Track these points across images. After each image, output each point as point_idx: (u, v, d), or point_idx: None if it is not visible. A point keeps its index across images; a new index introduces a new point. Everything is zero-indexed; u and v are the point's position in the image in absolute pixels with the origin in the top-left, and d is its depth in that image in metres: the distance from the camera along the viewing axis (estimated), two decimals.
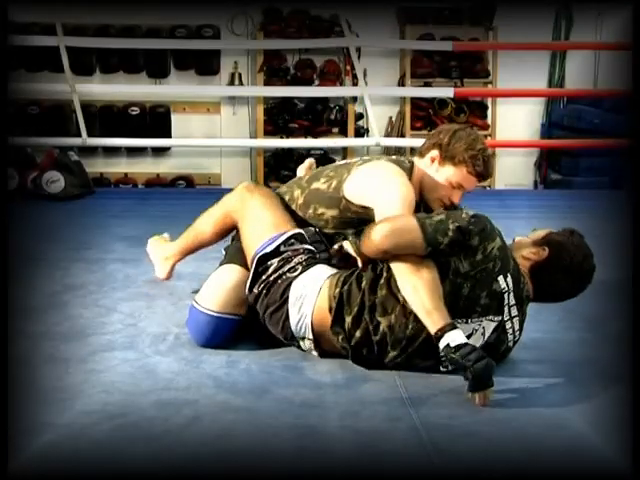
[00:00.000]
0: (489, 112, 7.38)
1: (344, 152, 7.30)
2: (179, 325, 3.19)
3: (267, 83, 7.04)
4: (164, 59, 6.98)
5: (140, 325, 3.20)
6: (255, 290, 2.84)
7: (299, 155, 7.12)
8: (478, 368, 2.42)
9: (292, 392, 2.60)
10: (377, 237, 2.59)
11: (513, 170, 7.46)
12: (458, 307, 2.59)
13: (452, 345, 2.45)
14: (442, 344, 2.48)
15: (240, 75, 7.15)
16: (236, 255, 3.05)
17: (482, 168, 2.93)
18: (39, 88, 6.52)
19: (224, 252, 3.22)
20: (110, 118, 6.95)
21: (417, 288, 2.53)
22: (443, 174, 2.94)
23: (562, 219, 5.18)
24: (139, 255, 4.16)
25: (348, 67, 7.05)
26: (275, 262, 2.82)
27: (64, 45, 5.88)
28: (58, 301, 3.46)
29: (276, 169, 7.18)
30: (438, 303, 2.52)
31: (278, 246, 2.85)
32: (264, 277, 2.82)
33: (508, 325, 2.70)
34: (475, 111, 7.33)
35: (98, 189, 6.00)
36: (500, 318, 2.67)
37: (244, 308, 2.94)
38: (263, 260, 2.84)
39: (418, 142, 6.72)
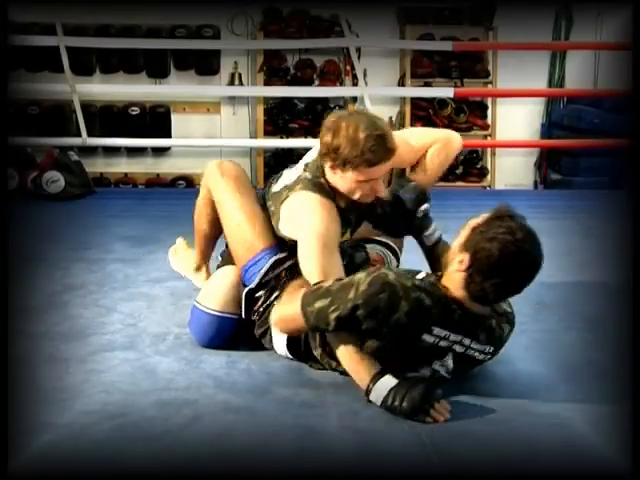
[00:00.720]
0: (489, 112, 7.37)
1: None
2: (179, 325, 3.19)
3: (267, 83, 7.04)
4: (164, 59, 6.97)
5: (140, 325, 3.20)
6: (252, 318, 2.92)
7: (299, 155, 7.10)
8: (404, 410, 2.40)
9: (292, 392, 2.60)
10: (273, 322, 2.76)
11: (513, 170, 7.46)
12: (397, 358, 2.54)
13: (375, 401, 2.47)
14: (373, 399, 2.48)
15: (240, 75, 7.15)
16: (231, 257, 3.07)
17: (375, 157, 2.71)
18: (39, 88, 6.51)
19: (220, 257, 3.24)
20: (110, 118, 6.95)
21: (342, 353, 2.55)
22: (349, 179, 2.79)
23: (562, 219, 5.20)
24: (139, 255, 4.17)
25: (348, 67, 7.05)
26: (262, 294, 2.89)
27: (64, 45, 5.87)
28: (58, 301, 3.46)
29: (276, 169, 7.14)
30: (359, 363, 2.52)
31: (262, 277, 2.88)
32: (255, 308, 2.90)
33: (470, 353, 2.57)
34: (475, 111, 7.32)
35: (98, 189, 6.00)
36: (446, 359, 2.57)
37: None
38: (250, 294, 2.90)
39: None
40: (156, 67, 7.01)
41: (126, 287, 3.67)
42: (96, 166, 6.89)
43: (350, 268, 2.72)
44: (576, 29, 7.30)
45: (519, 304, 3.17)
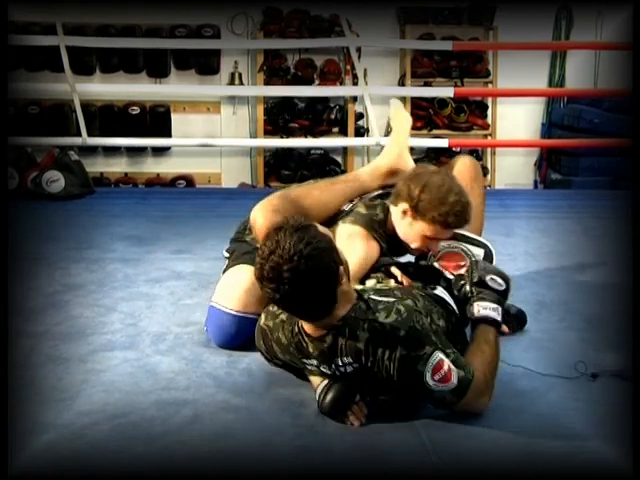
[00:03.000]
0: (489, 112, 7.38)
1: (344, 152, 7.30)
2: (179, 325, 3.19)
3: (267, 83, 7.04)
4: (164, 59, 6.98)
5: (140, 325, 3.21)
6: None
7: (299, 155, 7.12)
8: (323, 411, 2.42)
9: (292, 392, 2.60)
10: None
11: (513, 170, 7.46)
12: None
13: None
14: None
15: (240, 75, 7.15)
16: (244, 256, 3.05)
17: (455, 222, 2.80)
18: (39, 88, 6.51)
19: (227, 254, 3.20)
20: (110, 118, 6.95)
21: None
22: (416, 229, 2.85)
23: (562, 219, 5.19)
24: (139, 255, 4.18)
25: (348, 67, 7.05)
26: None
27: (64, 45, 5.87)
28: (58, 301, 3.46)
29: (276, 169, 7.19)
30: None
31: None
32: None
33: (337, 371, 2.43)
34: (475, 111, 7.33)
35: (98, 189, 6.00)
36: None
37: (262, 307, 2.95)
38: None
39: (418, 142, 6.81)
40: (156, 67, 7.01)
41: (126, 287, 3.67)
42: (96, 166, 6.90)
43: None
44: (576, 29, 7.30)
45: (520, 304, 3.19)
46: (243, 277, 2.96)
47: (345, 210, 3.03)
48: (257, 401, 2.55)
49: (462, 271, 2.84)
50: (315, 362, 2.43)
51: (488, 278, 2.66)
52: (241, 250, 3.12)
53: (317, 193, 3.05)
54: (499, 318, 2.59)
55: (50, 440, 2.27)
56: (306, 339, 2.41)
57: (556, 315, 3.31)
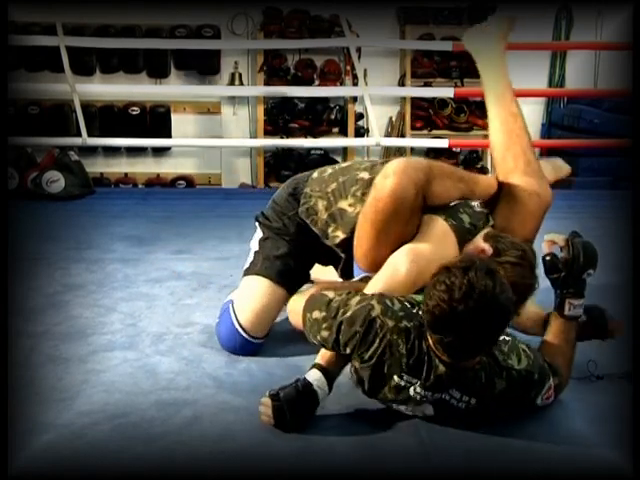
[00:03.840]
0: None
1: (344, 152, 7.30)
2: (179, 325, 3.19)
3: (267, 83, 7.03)
4: (164, 59, 6.97)
5: (140, 325, 3.20)
6: None
7: (299, 155, 7.12)
8: None
9: None
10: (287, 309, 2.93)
11: None
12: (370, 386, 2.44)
13: None
14: None
15: (240, 75, 7.15)
16: (275, 263, 2.98)
17: (527, 282, 2.67)
18: (39, 88, 6.50)
19: (260, 232, 3.08)
20: (110, 118, 6.95)
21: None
22: None
23: (562, 219, 5.18)
24: (139, 255, 4.17)
25: (348, 67, 7.05)
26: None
27: (64, 45, 5.86)
28: (58, 301, 3.46)
29: (276, 169, 7.18)
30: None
31: None
32: None
33: (445, 399, 2.37)
34: (475, 111, 7.32)
35: (98, 189, 5.99)
36: (423, 407, 2.40)
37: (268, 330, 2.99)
38: None
39: (418, 142, 6.81)
40: (156, 67, 7.01)
41: (126, 287, 3.67)
42: (96, 166, 6.89)
43: None
44: (576, 29, 7.30)
45: None
46: (274, 302, 2.92)
47: (449, 205, 2.83)
48: (257, 401, 2.54)
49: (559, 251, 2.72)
50: (423, 387, 2.32)
51: (585, 274, 2.66)
52: (276, 246, 3.00)
53: (449, 185, 2.84)
54: (583, 315, 2.66)
55: (50, 440, 2.27)
56: (436, 359, 2.31)
57: None
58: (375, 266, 2.73)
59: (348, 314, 2.38)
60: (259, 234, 3.09)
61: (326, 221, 2.92)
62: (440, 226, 2.74)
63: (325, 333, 2.42)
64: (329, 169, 3.04)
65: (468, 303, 2.15)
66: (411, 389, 2.34)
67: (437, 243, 2.68)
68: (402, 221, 2.68)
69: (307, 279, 3.11)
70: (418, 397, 2.35)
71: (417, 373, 2.32)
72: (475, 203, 2.88)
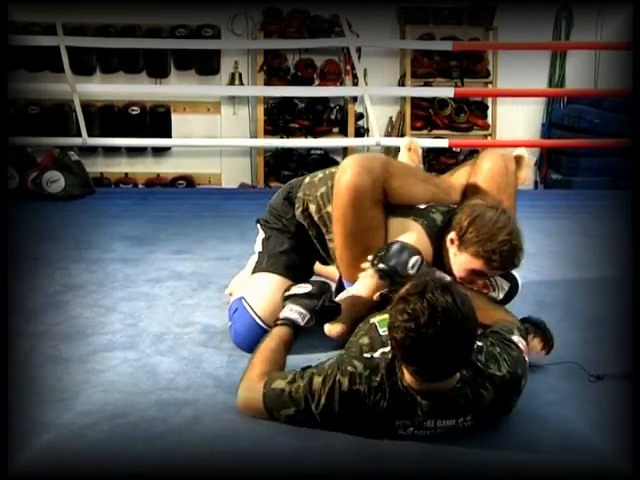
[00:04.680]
0: (489, 112, 7.38)
1: (344, 152, 7.30)
2: (179, 325, 3.19)
3: (267, 83, 7.03)
4: (164, 59, 6.97)
5: (140, 325, 3.20)
6: None
7: (299, 155, 7.12)
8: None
9: None
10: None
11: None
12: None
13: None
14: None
15: (240, 75, 7.15)
16: (280, 258, 3.02)
17: (499, 262, 2.66)
18: (39, 88, 6.50)
19: (262, 233, 3.13)
20: (110, 118, 6.95)
21: None
22: (459, 260, 2.73)
23: (562, 219, 5.19)
24: (139, 255, 4.17)
25: (348, 67, 7.05)
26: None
27: (64, 45, 5.87)
28: (58, 301, 3.46)
29: (276, 169, 7.18)
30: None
31: None
32: None
33: (443, 427, 2.33)
34: (475, 111, 7.33)
35: (98, 189, 5.99)
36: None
37: None
38: None
39: (418, 142, 6.79)
40: (156, 67, 7.01)
41: (126, 287, 3.67)
42: (96, 166, 6.89)
43: None
44: (576, 29, 7.30)
45: (520, 304, 3.18)
46: (276, 294, 2.86)
47: (419, 208, 2.88)
48: None
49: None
50: (418, 427, 2.30)
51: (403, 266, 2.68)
52: (279, 243, 3.06)
53: (411, 181, 2.89)
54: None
55: (50, 440, 2.27)
56: (416, 396, 2.27)
57: (556, 315, 3.30)
58: (350, 272, 2.80)
59: (322, 402, 2.32)
60: (261, 234, 3.16)
61: (318, 224, 2.98)
62: (411, 227, 2.79)
63: (285, 413, 2.37)
64: (320, 173, 3.10)
65: (436, 324, 2.12)
66: (409, 429, 2.31)
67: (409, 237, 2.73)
68: (363, 212, 2.73)
69: (311, 273, 3.16)
70: (420, 433, 2.32)
71: (407, 415, 2.29)
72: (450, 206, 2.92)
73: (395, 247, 2.69)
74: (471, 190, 3.01)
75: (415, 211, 2.86)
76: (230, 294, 3.35)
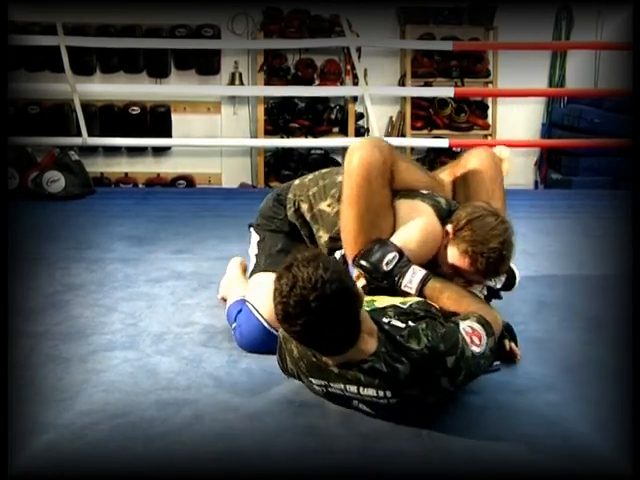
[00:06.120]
0: (489, 112, 7.38)
1: (344, 152, 7.28)
2: (179, 325, 3.19)
3: (267, 83, 7.03)
4: (164, 59, 6.98)
5: (140, 325, 3.20)
6: None
7: (299, 155, 7.12)
8: None
9: (292, 392, 2.60)
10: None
11: (513, 170, 7.43)
12: None
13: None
14: None
15: (240, 75, 7.15)
16: (279, 256, 3.01)
17: (483, 267, 2.66)
18: (39, 88, 6.51)
19: (256, 236, 3.15)
20: (110, 118, 6.95)
21: None
22: (449, 253, 2.73)
23: (562, 218, 5.19)
24: (139, 255, 4.17)
25: (348, 67, 7.05)
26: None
27: (64, 45, 5.87)
28: (58, 301, 3.46)
29: (276, 169, 7.18)
30: None
31: None
32: None
33: (367, 398, 2.40)
34: (475, 111, 7.33)
35: (98, 189, 6.00)
36: (357, 404, 2.46)
37: None
38: None
39: (418, 142, 6.80)
40: (156, 67, 7.01)
41: (126, 287, 3.67)
42: (96, 166, 6.90)
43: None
44: (576, 29, 7.30)
45: (520, 304, 3.19)
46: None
47: (423, 192, 2.89)
48: (257, 401, 2.55)
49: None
50: (331, 383, 2.39)
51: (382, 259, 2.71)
52: (274, 243, 3.09)
53: (413, 167, 2.94)
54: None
55: (50, 440, 2.27)
56: (328, 364, 2.37)
57: (556, 315, 3.31)
58: None
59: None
60: (255, 238, 3.19)
61: (310, 223, 3.02)
62: (421, 207, 2.81)
63: None
64: (310, 175, 3.16)
65: (296, 292, 2.19)
66: (328, 389, 2.43)
67: (423, 228, 2.75)
68: (377, 189, 2.74)
69: None
70: (335, 391, 2.41)
71: (317, 373, 2.42)
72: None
73: (376, 246, 2.72)
74: (462, 182, 3.05)
75: (420, 194, 2.87)
76: (223, 298, 3.35)
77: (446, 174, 3.13)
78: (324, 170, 3.17)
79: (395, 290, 2.68)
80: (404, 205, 2.82)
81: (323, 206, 2.98)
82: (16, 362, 2.73)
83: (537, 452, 2.26)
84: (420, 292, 2.66)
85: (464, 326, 2.44)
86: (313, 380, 2.45)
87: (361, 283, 2.70)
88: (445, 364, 2.34)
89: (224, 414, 2.46)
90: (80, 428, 2.35)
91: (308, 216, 3.03)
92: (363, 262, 2.72)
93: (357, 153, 2.78)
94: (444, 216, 2.81)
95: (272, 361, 2.82)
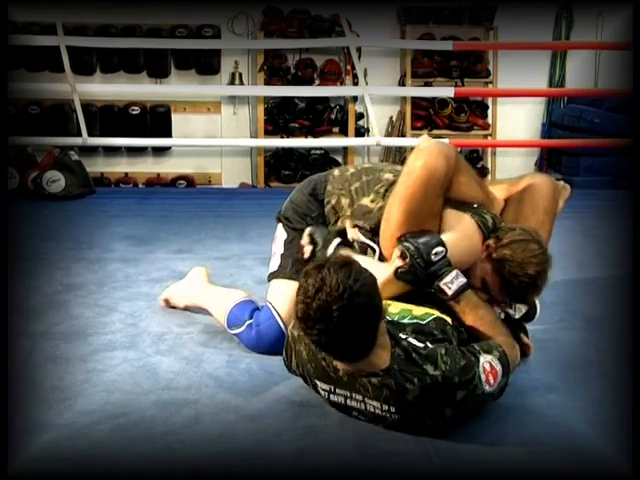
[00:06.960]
0: (490, 112, 7.38)
1: (344, 152, 7.30)
2: (179, 325, 3.19)
3: (267, 83, 7.03)
4: (164, 59, 6.98)
5: (141, 325, 3.20)
6: None
7: (300, 155, 7.12)
8: None
9: (292, 392, 2.60)
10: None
11: (513, 170, 7.45)
12: None
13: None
14: None
15: (240, 75, 7.15)
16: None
17: (513, 290, 2.64)
18: (40, 88, 6.51)
19: (283, 250, 3.05)
20: (110, 118, 6.95)
21: None
22: (483, 267, 2.69)
23: (562, 219, 5.18)
24: (139, 255, 4.18)
25: (349, 67, 7.05)
26: None
27: (64, 45, 5.87)
28: (59, 301, 3.46)
29: (276, 169, 7.19)
30: None
31: None
32: None
33: (369, 409, 2.39)
34: (476, 111, 7.33)
35: (98, 189, 6.00)
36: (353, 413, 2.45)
37: None
38: None
39: (418, 142, 6.78)
40: (156, 67, 7.01)
41: (126, 287, 3.67)
42: (96, 166, 6.90)
43: None
44: (576, 29, 7.30)
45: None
46: None
47: (473, 206, 2.84)
48: (257, 401, 2.55)
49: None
50: (337, 389, 2.39)
51: (432, 255, 2.63)
52: (297, 262, 2.96)
53: (473, 181, 2.88)
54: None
55: (51, 440, 2.27)
56: (338, 369, 2.36)
57: (556, 315, 3.31)
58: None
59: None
60: (283, 235, 3.06)
61: (350, 217, 2.92)
62: (467, 221, 2.76)
63: None
64: (351, 168, 3.06)
65: (321, 297, 2.15)
66: (330, 396, 2.41)
67: (465, 238, 2.71)
68: (432, 197, 2.68)
69: None
70: (336, 399, 2.40)
71: (323, 378, 2.41)
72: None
73: (426, 234, 2.66)
74: (516, 204, 2.99)
75: (470, 207, 2.82)
76: (166, 300, 3.34)
77: (501, 190, 3.07)
78: (366, 165, 3.08)
79: (423, 283, 2.61)
80: (451, 215, 2.77)
81: (365, 201, 2.89)
82: (16, 362, 2.72)
83: (538, 452, 2.26)
84: (455, 298, 2.59)
85: (484, 361, 2.38)
86: (319, 383, 2.44)
87: (397, 264, 2.62)
88: (455, 397, 2.31)
89: (224, 414, 2.46)
90: (80, 428, 2.35)
91: (349, 212, 2.92)
92: (410, 243, 2.62)
93: (423, 157, 2.70)
94: (487, 233, 2.76)
95: (272, 361, 2.83)
